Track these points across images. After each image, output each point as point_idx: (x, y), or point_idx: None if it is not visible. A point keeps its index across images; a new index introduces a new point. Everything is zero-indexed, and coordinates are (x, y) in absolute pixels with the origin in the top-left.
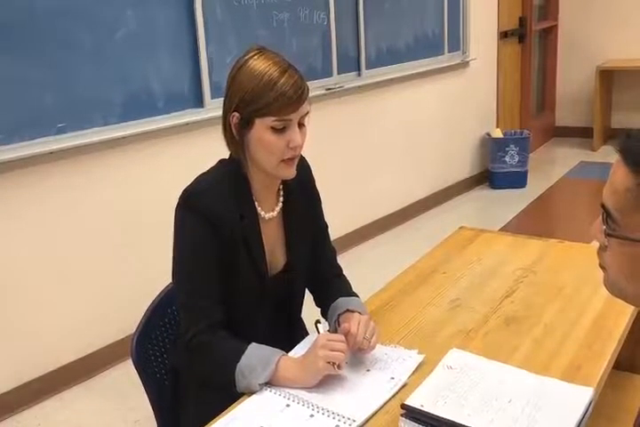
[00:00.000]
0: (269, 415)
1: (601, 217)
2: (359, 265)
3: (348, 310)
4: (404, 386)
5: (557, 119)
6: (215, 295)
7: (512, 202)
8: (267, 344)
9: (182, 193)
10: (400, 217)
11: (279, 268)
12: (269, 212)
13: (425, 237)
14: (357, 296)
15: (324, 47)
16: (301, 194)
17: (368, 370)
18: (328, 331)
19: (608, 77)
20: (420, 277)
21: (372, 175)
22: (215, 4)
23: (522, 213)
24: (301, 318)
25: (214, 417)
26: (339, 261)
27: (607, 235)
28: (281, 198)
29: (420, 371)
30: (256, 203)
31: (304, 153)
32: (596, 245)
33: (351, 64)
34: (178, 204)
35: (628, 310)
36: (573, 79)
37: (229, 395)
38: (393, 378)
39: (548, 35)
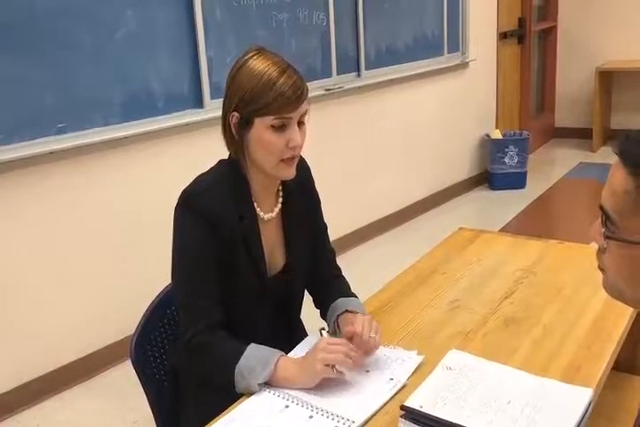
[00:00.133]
0: (268, 416)
1: (600, 219)
2: (358, 266)
3: (347, 311)
4: (403, 387)
5: (557, 120)
6: (214, 296)
7: (511, 203)
8: (266, 345)
9: (181, 193)
10: (399, 218)
11: (278, 268)
12: (268, 213)
13: (424, 237)
14: (356, 297)
15: (323, 48)
16: (301, 195)
17: (367, 371)
18: (329, 333)
19: (607, 78)
20: (420, 278)
21: (371, 176)
22: (215, 4)
23: (521, 213)
24: (300, 319)
25: (213, 418)
26: (338, 262)
27: (606, 237)
28: (280, 199)
29: (420, 372)
30: (255, 204)
31: (304, 154)
32: (594, 246)
33: (350, 65)
34: (177, 204)
35: (628, 312)
36: (573, 80)
37: (228, 396)
38: (392, 379)
39: (548, 35)
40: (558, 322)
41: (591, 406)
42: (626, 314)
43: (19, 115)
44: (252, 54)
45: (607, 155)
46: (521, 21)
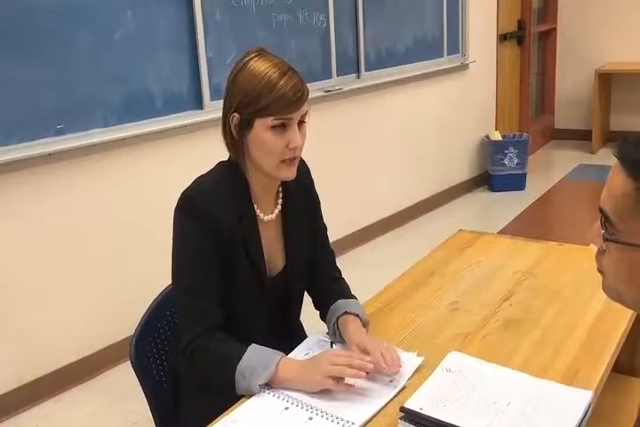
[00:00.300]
0: (268, 418)
1: (599, 221)
2: (358, 267)
3: (346, 313)
4: (403, 389)
5: (556, 122)
6: (214, 298)
7: (511, 204)
8: (266, 346)
9: (181, 195)
10: (399, 219)
11: (278, 269)
12: (268, 214)
13: (424, 239)
14: (356, 298)
15: (323, 49)
16: (300, 196)
17: (367, 373)
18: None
19: (607, 80)
20: (419, 280)
21: (371, 177)
22: (215, 5)
23: (521, 215)
24: (300, 321)
25: (213, 419)
26: (338, 264)
27: (605, 239)
28: (280, 201)
29: (419, 374)
30: (255, 205)
31: (304, 155)
32: (594, 248)
33: (350, 66)
34: (176, 206)
35: (627, 313)
36: (572, 82)
37: (229, 397)
38: (392, 381)
39: (547, 37)
40: (558, 324)
41: (591, 408)
42: (625, 316)
43: (17, 115)
44: (252, 56)
45: (607, 156)
46: (520, 23)
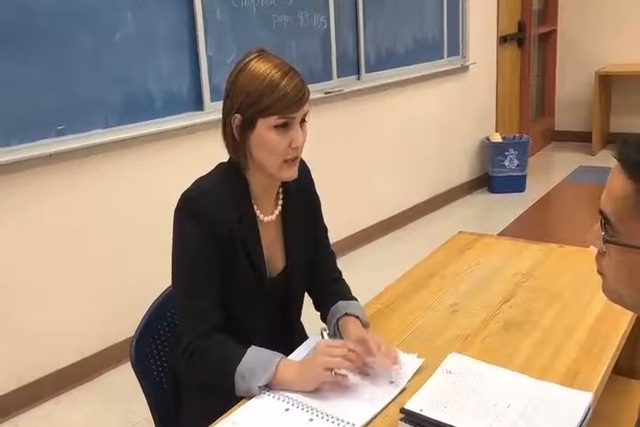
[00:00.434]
0: (269, 419)
1: (599, 223)
2: (358, 269)
3: (346, 314)
4: (403, 390)
5: (556, 123)
6: (214, 299)
7: (511, 206)
8: (266, 347)
9: (181, 196)
10: (399, 221)
11: (278, 270)
12: (268, 215)
13: (424, 240)
14: (356, 300)
15: (323, 50)
16: (301, 197)
17: (367, 374)
18: (329, 335)
19: (607, 82)
20: (420, 282)
21: (371, 179)
22: (215, 6)
23: (521, 217)
24: (301, 322)
25: (213, 421)
26: (338, 265)
27: (605, 241)
28: (280, 202)
29: (420, 375)
30: (255, 206)
31: (304, 156)
32: (594, 250)
33: (351, 67)
34: (176, 207)
35: (627, 315)
36: (572, 83)
37: (229, 399)
38: (392, 382)
39: (547, 39)
40: (558, 325)
41: (591, 410)
42: (625, 318)
43: (18, 116)
44: (253, 57)
45: (607, 158)
46: (521, 25)
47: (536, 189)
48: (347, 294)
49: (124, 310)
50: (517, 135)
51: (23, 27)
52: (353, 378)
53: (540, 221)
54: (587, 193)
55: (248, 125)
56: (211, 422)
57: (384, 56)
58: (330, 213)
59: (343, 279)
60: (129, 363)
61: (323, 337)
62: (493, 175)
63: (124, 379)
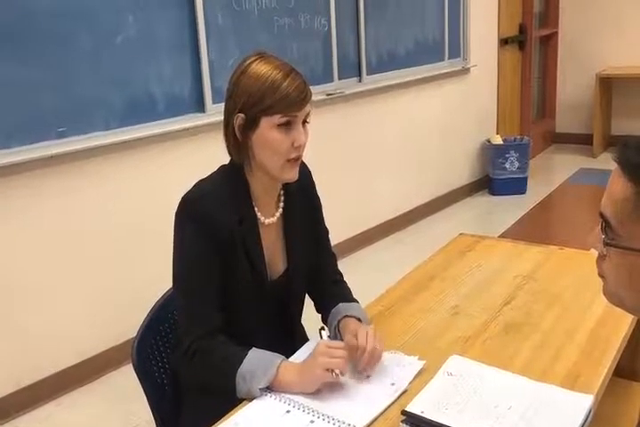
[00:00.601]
0: (270, 421)
1: (599, 226)
2: (359, 271)
3: (347, 316)
4: (404, 392)
5: (557, 126)
6: (215, 301)
7: (512, 208)
8: (267, 349)
9: (181, 199)
10: (400, 223)
11: (279, 273)
12: (269, 217)
13: (425, 243)
14: (357, 302)
15: (324, 53)
16: (302, 199)
17: (368, 376)
18: (329, 337)
19: (608, 84)
20: (420, 284)
21: (372, 181)
22: (216, 9)
23: (522, 219)
24: (302, 324)
25: (214, 423)
26: (339, 267)
27: (606, 244)
28: (281, 204)
29: (421, 377)
30: (256, 208)
31: (305, 157)
32: (594, 253)
33: (352, 70)
34: (177, 209)
35: (628, 318)
36: (573, 86)
37: (230, 400)
38: (393, 384)
39: (548, 42)
40: (558, 328)
41: (591, 413)
42: (626, 320)
43: (19, 118)
44: (254, 58)
45: (608, 160)
46: (522, 27)
47: (537, 191)
48: (348, 296)
49: (124, 312)
50: (518, 137)
51: (25, 28)
52: (355, 380)
53: (540, 223)
54: (587, 195)
55: (251, 124)
56: (211, 424)
57: (385, 58)
58: (331, 215)
59: (344, 281)
60: (130, 364)
61: (321, 337)
62: (494, 177)
63: (125, 380)
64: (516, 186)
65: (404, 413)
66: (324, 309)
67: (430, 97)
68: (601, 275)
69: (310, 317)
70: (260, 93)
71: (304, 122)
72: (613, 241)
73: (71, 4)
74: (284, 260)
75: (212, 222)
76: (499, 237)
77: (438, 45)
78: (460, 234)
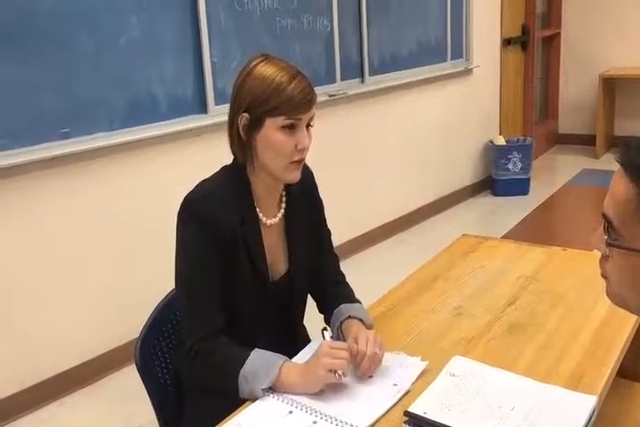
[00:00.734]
0: (273, 422)
1: (602, 227)
2: (362, 271)
3: (350, 317)
4: (407, 393)
5: (560, 127)
6: (217, 302)
7: (515, 209)
8: (269, 350)
9: (183, 199)
10: (403, 224)
11: (281, 273)
12: (271, 218)
13: (428, 243)
14: (360, 303)
15: (327, 54)
16: (304, 200)
17: (371, 377)
18: (331, 337)
19: (611, 85)
20: (423, 285)
21: (374, 182)
22: (219, 10)
23: (524, 220)
24: (304, 325)
25: (217, 423)
26: (341, 268)
27: (609, 245)
28: (283, 205)
29: (424, 378)
30: (257, 209)
31: (308, 158)
32: (598, 253)
33: (354, 71)
34: (179, 210)
35: (632, 319)
36: (576, 86)
37: (232, 401)
38: (396, 385)
39: (551, 42)
40: (562, 329)
41: (595, 413)
42: (629, 321)
43: (22, 119)
44: (259, 60)
45: (610, 161)
46: (524, 28)
47: (540, 192)
48: (350, 297)
49: (126, 313)
50: (521, 138)
51: (27, 29)
52: (357, 381)
53: (543, 224)
54: (590, 196)
55: (255, 124)
56: (214, 425)
57: (388, 59)
58: (333, 216)
59: (347, 282)
60: (132, 365)
61: (324, 337)
62: (497, 178)
63: (128, 381)
64: (519, 187)
65: (406, 414)
66: (326, 309)
67: (433, 98)
68: (604, 276)
69: (313, 317)
70: (265, 95)
71: (308, 125)
72: (616, 242)
73: (74, 6)
74: (285, 260)
75: (214, 223)
76: (502, 237)
77: (441, 46)
78: (463, 235)
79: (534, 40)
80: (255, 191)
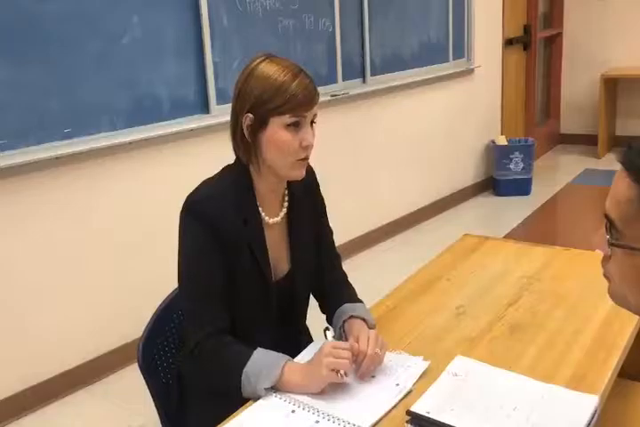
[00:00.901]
0: (275, 421)
1: (604, 227)
2: (364, 271)
3: (352, 317)
4: (409, 392)
5: (562, 126)
6: (220, 302)
7: (516, 209)
8: (271, 350)
9: (186, 199)
10: (404, 224)
11: (283, 273)
12: (273, 217)
13: (430, 243)
14: (362, 302)
15: (329, 54)
16: (306, 199)
17: (373, 376)
18: (333, 337)
19: (612, 85)
20: (425, 285)
21: (376, 181)
22: (221, 10)
23: (526, 220)
24: (306, 325)
25: (220, 422)
26: (343, 267)
27: (611, 244)
28: (285, 204)
29: (426, 378)
30: (260, 208)
31: (310, 158)
32: (599, 254)
33: (356, 71)
34: (182, 210)
35: (634, 318)
36: (578, 86)
37: (235, 401)
38: (398, 384)
39: (553, 42)
40: (564, 329)
41: (597, 414)
42: (631, 321)
43: (25, 119)
44: (261, 60)
45: (612, 161)
46: (526, 28)
47: (541, 192)
48: (352, 297)
49: (129, 313)
50: (523, 138)
51: (30, 30)
52: (360, 381)
53: (545, 224)
54: (592, 196)
55: (260, 124)
56: (216, 424)
57: (389, 59)
58: (335, 216)
59: (349, 282)
60: (134, 365)
61: (326, 337)
62: (499, 178)
63: (130, 381)
64: (521, 187)
65: (409, 413)
66: (328, 309)
67: (434, 98)
68: (606, 275)
69: (315, 317)
70: (268, 94)
71: (311, 122)
72: (618, 242)
73: (77, 8)
74: (288, 260)
75: (216, 223)
76: (503, 237)
77: (443, 46)
78: (465, 235)
79: (536, 40)
80: (258, 190)
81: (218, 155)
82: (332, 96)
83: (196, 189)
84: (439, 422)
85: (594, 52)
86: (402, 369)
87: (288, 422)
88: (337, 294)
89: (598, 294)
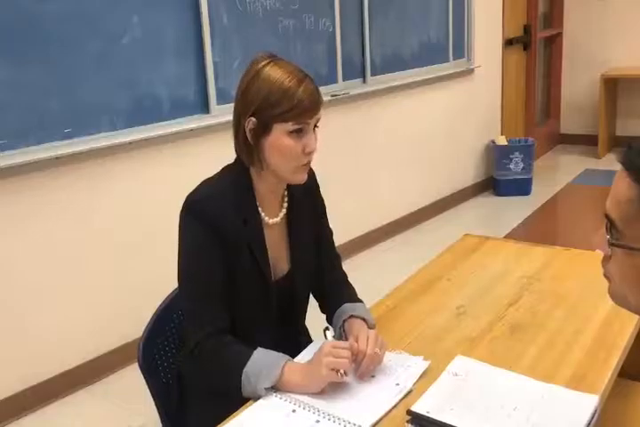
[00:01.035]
0: (275, 421)
1: (605, 227)
2: (364, 271)
3: (352, 316)
4: (409, 392)
5: (562, 126)
6: (220, 302)
7: (516, 209)
8: (271, 350)
9: (186, 199)
10: (405, 224)
11: (283, 273)
12: (273, 217)
13: (430, 243)
14: (362, 302)
15: (329, 54)
16: (306, 200)
17: (373, 376)
18: (333, 337)
19: (612, 85)
20: (426, 285)
21: (376, 181)
22: (221, 10)
23: (526, 220)
24: (305, 324)
25: (220, 422)
26: (343, 268)
27: (611, 245)
28: (285, 204)
29: (426, 377)
30: (260, 208)
31: None
32: (600, 254)
33: (356, 71)
34: (181, 209)
35: (634, 318)
36: (578, 86)
37: (235, 400)
38: (398, 384)
39: (553, 42)
40: (564, 329)
41: (597, 414)
42: (632, 321)
43: (25, 119)
44: (266, 62)
45: (612, 161)
46: (526, 28)
47: (541, 192)
48: (352, 297)
49: (129, 313)
50: (523, 138)
51: (30, 30)
52: (360, 380)
53: (545, 224)
54: (592, 196)
55: (263, 129)
56: (217, 424)
57: (389, 59)
58: (335, 216)
59: (349, 282)
60: (134, 365)
61: (326, 336)
62: (499, 178)
63: (131, 381)
64: (521, 187)
65: (409, 413)
66: (328, 309)
67: (434, 98)
68: (606, 276)
69: (315, 317)
70: (273, 99)
71: (314, 127)
72: (619, 242)
73: (77, 8)
74: (287, 260)
75: (216, 223)
76: (504, 237)
77: (443, 46)
78: (465, 235)
79: (536, 40)
80: (258, 190)
81: (218, 155)
82: (332, 96)
83: (196, 188)
84: (439, 421)
85: (594, 52)
86: (402, 369)
87: (288, 422)
88: (337, 294)
89: (598, 294)
